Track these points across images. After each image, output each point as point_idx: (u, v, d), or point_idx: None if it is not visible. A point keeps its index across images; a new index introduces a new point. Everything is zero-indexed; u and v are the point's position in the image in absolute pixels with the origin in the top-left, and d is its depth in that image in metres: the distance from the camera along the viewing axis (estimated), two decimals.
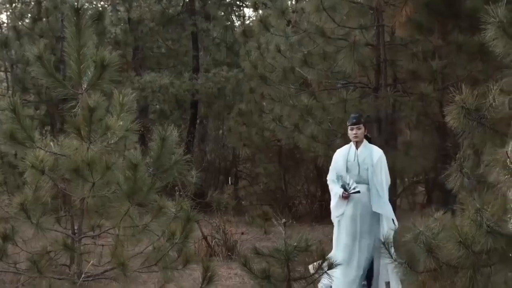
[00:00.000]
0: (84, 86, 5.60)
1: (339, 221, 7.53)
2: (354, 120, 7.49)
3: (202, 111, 17.85)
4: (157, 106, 17.46)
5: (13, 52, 14.09)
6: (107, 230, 6.14)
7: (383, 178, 7.45)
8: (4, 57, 14.22)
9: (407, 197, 15.09)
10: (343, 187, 7.34)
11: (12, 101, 5.44)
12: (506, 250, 4.23)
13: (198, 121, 17.85)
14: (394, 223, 7.29)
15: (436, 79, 10.05)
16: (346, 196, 7.32)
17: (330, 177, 7.61)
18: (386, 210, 7.37)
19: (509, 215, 4.23)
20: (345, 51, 9.59)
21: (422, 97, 9.70)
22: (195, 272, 6.40)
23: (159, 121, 15.45)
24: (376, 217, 7.39)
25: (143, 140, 14.05)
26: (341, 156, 7.60)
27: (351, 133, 7.52)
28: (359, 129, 7.47)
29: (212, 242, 10.10)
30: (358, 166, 7.45)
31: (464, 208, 4.39)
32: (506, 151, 4.27)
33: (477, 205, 4.24)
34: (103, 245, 6.88)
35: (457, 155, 7.83)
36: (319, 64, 10.47)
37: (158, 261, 5.78)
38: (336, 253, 7.08)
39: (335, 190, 7.49)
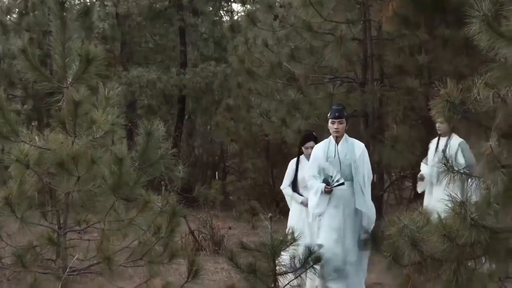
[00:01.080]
0: (69, 80, 5.58)
1: (320, 220, 7.02)
2: (337, 114, 6.94)
3: (190, 106, 17.83)
4: (145, 101, 17.40)
5: (0, 46, 14.03)
6: (92, 224, 6.11)
7: (365, 173, 6.99)
8: None
9: (394, 192, 15.13)
10: (326, 181, 6.88)
11: None
12: (490, 243, 4.25)
13: (186, 116, 17.83)
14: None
15: (423, 73, 10.11)
16: (329, 190, 6.84)
17: (311, 173, 7.09)
18: (368, 208, 6.97)
19: (493, 208, 4.25)
20: (332, 46, 9.63)
21: (409, 91, 9.75)
22: (182, 266, 6.40)
23: (147, 116, 15.34)
24: (359, 214, 6.95)
25: (131, 135, 14.02)
26: (321, 152, 7.04)
27: (332, 126, 6.97)
28: (341, 123, 6.93)
29: (199, 236, 10.10)
30: (339, 162, 6.92)
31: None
32: (490, 145, 4.29)
33: (461, 198, 4.26)
34: (89, 240, 6.86)
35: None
36: (306, 59, 10.49)
37: (144, 255, 5.76)
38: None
39: (316, 186, 6.96)
